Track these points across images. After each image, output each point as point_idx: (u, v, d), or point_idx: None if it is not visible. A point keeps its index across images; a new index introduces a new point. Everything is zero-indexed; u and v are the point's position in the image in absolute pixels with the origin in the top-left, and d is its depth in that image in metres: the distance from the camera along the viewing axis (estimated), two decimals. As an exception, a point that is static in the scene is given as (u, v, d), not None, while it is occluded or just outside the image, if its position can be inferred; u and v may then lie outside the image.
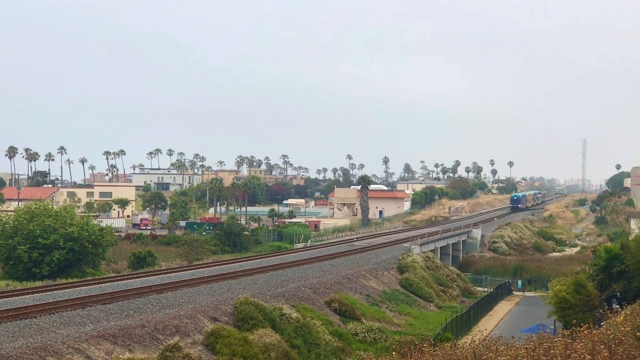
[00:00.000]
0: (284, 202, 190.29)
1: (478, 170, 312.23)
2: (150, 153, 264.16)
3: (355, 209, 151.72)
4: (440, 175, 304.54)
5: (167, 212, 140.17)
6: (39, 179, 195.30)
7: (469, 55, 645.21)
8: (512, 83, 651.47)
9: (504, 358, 15.03)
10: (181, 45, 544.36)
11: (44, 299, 34.01)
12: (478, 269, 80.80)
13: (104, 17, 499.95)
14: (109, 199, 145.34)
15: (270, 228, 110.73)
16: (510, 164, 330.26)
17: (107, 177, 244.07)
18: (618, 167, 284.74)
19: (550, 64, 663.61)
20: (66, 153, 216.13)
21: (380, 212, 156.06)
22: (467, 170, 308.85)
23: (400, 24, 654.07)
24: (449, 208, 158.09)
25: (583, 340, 15.57)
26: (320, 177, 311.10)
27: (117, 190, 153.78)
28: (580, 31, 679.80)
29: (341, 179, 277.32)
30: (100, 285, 40.99)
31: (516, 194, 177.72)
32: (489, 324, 52.53)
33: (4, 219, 55.76)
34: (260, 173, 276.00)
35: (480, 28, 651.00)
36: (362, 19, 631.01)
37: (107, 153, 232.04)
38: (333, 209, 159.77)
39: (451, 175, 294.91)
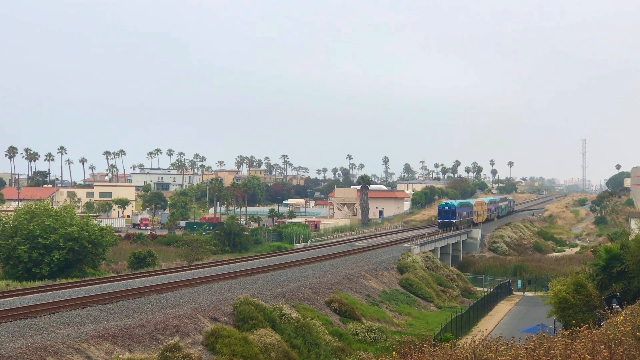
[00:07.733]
0: (284, 202, 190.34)
1: (478, 170, 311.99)
2: (150, 153, 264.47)
3: (355, 209, 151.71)
4: (440, 175, 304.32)
5: (167, 212, 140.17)
6: (39, 179, 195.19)
7: (469, 56, 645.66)
8: (512, 83, 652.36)
9: (504, 358, 15.03)
10: (181, 45, 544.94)
11: (44, 299, 33.97)
12: (478, 269, 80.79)
13: (103, 16, 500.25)
14: (109, 199, 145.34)
15: (270, 228, 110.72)
16: (510, 164, 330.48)
17: (107, 177, 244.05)
18: (618, 167, 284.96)
19: (551, 65, 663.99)
20: (66, 153, 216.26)
21: (380, 212, 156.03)
22: (467, 171, 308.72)
23: (401, 24, 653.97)
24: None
25: (583, 340, 15.57)
26: (320, 177, 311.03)
27: (117, 191, 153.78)
28: (581, 32, 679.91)
29: (341, 179, 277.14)
30: (100, 285, 40.95)
31: (449, 201, 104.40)
32: (489, 324, 52.53)
33: (4, 219, 55.71)
34: (260, 173, 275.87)
35: (481, 29, 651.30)
36: (362, 18, 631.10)
37: (107, 153, 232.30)
38: (333, 209, 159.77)
39: (451, 175, 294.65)
